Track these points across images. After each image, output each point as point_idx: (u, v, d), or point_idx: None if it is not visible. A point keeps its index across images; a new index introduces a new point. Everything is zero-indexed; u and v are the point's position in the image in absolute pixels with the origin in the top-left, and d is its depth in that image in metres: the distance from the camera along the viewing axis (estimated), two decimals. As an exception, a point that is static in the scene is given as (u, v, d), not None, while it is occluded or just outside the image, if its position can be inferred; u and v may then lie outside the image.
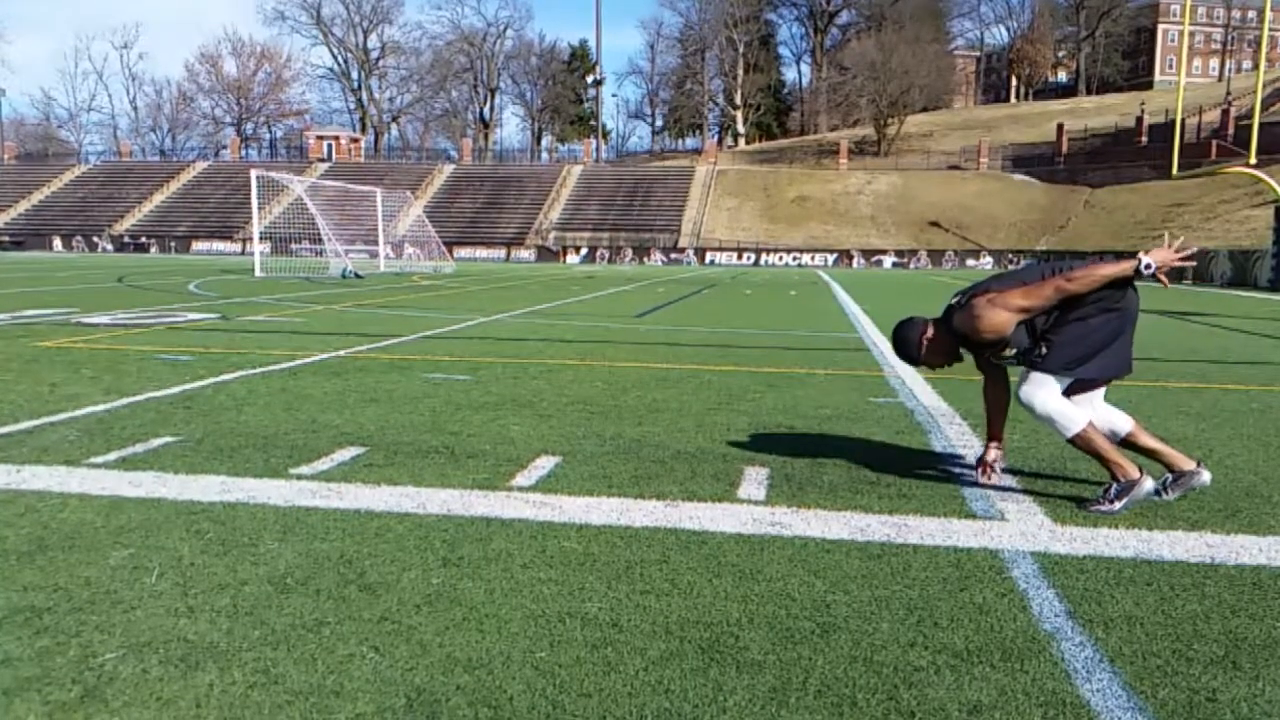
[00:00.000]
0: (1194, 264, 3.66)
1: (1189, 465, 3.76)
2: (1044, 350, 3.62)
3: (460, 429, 4.96)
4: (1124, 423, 3.87)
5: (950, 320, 3.79)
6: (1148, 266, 3.55)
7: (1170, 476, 3.77)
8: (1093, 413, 3.79)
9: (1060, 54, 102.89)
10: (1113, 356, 3.65)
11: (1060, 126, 65.48)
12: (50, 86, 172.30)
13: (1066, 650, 2.40)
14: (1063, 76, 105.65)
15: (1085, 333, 3.59)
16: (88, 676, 2.17)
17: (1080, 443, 3.64)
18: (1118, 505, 3.58)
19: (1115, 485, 3.61)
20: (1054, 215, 55.99)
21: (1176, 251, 3.61)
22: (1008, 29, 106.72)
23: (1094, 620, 2.59)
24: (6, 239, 57.46)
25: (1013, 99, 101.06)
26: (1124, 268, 3.55)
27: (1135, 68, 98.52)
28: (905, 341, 3.89)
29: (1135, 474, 3.58)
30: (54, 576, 2.78)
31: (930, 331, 3.84)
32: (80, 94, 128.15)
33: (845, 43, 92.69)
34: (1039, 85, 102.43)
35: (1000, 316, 3.60)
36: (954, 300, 3.83)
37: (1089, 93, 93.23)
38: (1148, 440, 3.85)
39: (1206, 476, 3.75)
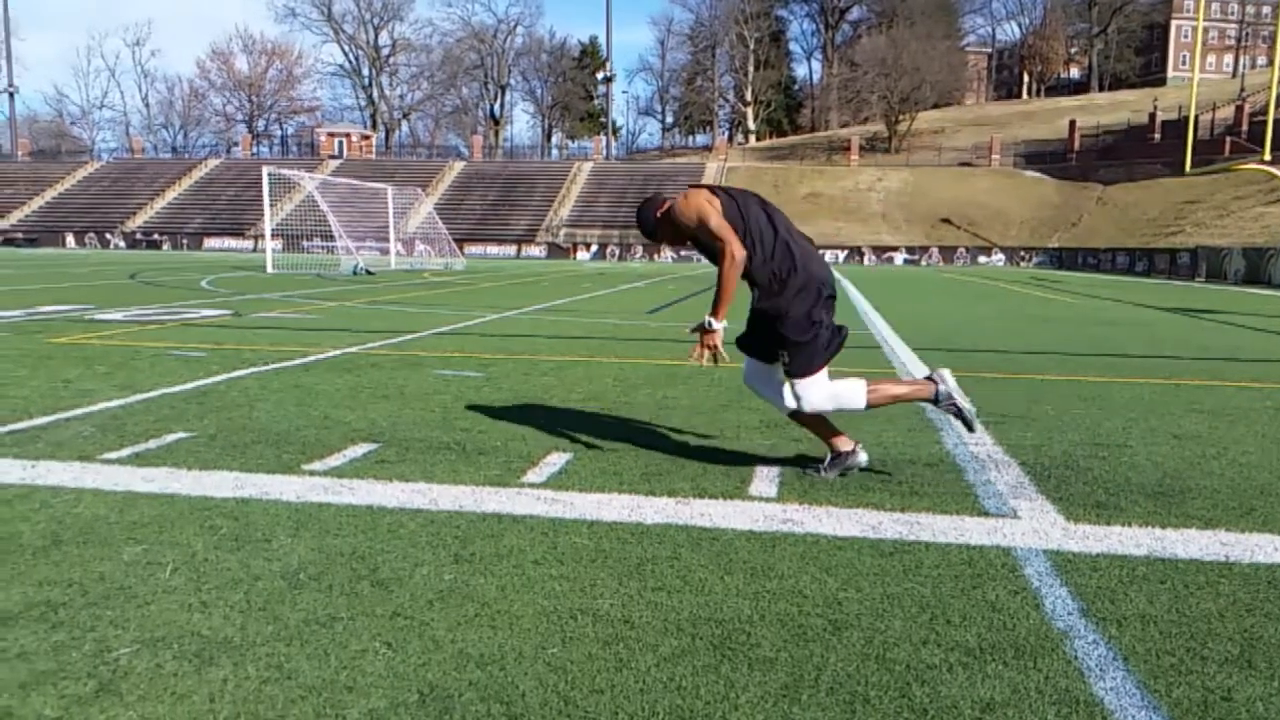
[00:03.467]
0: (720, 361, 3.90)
1: (848, 446, 4.03)
2: (787, 358, 3.85)
3: (471, 425, 4.97)
4: (791, 402, 3.98)
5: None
6: (711, 326, 3.90)
7: (829, 457, 4.06)
8: (771, 389, 4.06)
9: (1072, 50, 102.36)
10: (832, 332, 3.90)
11: (1072, 123, 65.19)
12: (63, 83, 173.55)
13: (1080, 648, 2.39)
14: (1075, 73, 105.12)
15: (808, 322, 3.82)
16: (103, 671, 2.18)
17: (875, 401, 3.92)
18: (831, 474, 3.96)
19: (828, 458, 4.00)
20: (1066, 212, 55.75)
21: (713, 349, 3.92)
22: (1019, 25, 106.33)
23: (1107, 618, 2.58)
24: (20, 236, 57.77)
25: (1025, 95, 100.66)
26: (721, 306, 3.87)
27: (1148, 64, 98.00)
28: (644, 214, 4.07)
29: (848, 446, 3.96)
30: (69, 571, 2.80)
31: (665, 208, 3.98)
32: (93, 91, 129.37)
33: (856, 39, 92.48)
34: (1051, 82, 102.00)
35: (691, 213, 3.82)
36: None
37: (1101, 89, 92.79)
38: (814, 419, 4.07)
39: (863, 458, 4.05)
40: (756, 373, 4.14)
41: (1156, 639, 2.45)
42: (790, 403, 3.94)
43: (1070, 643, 2.42)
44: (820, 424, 4.05)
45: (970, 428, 4.02)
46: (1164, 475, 4.16)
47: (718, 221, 3.79)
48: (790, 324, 3.81)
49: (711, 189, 3.94)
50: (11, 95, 78.17)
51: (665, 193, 4.28)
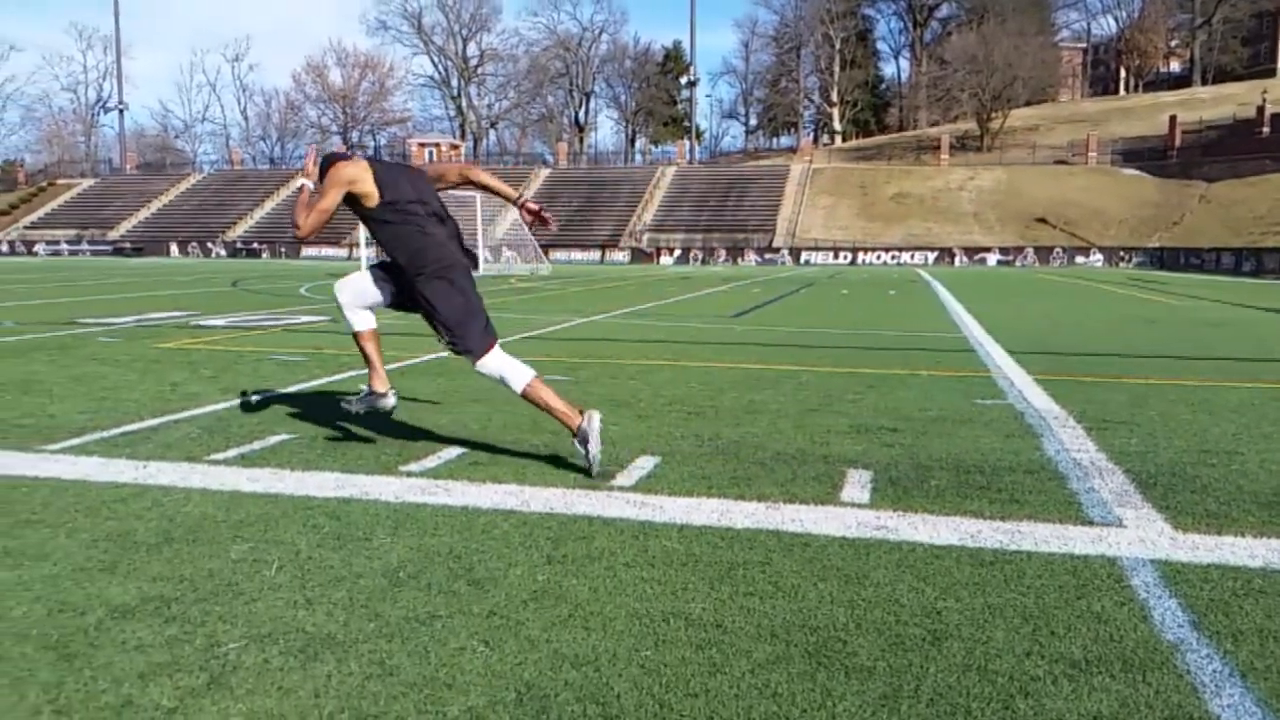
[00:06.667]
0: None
1: (382, 389, 4.43)
2: (454, 341, 4.16)
3: (559, 429, 5.00)
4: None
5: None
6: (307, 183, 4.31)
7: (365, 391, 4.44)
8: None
9: (1173, 43, 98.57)
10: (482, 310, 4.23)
11: (1173, 119, 62.74)
12: (167, 99, 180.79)
13: (1192, 662, 2.30)
14: (1175, 66, 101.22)
15: (464, 304, 4.16)
16: (213, 665, 2.26)
17: (530, 395, 4.14)
18: (592, 451, 4.04)
19: (575, 437, 4.09)
20: (1167, 211, 53.70)
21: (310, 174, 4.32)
22: (1116, 19, 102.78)
23: (1221, 632, 2.48)
24: (128, 246, 60.38)
25: (1122, 91, 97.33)
26: (298, 209, 4.20)
27: (1256, 55, 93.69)
28: (322, 165, 4.27)
29: (578, 420, 4.08)
30: (180, 568, 2.91)
31: (331, 167, 4.18)
32: (195, 105, 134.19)
33: (945, 36, 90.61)
34: (1149, 76, 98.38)
35: (327, 180, 4.12)
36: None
37: (1204, 82, 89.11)
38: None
39: (391, 402, 4.46)
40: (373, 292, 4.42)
41: (1276, 654, 2.34)
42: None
43: (1182, 656, 2.33)
44: (372, 354, 4.45)
45: (589, 473, 4.08)
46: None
47: (332, 199, 4.12)
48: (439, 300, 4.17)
49: (372, 161, 4.27)
50: (121, 112, 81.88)
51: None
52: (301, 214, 4.15)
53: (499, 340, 4.29)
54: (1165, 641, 2.42)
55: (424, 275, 4.13)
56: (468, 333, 4.16)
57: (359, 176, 4.14)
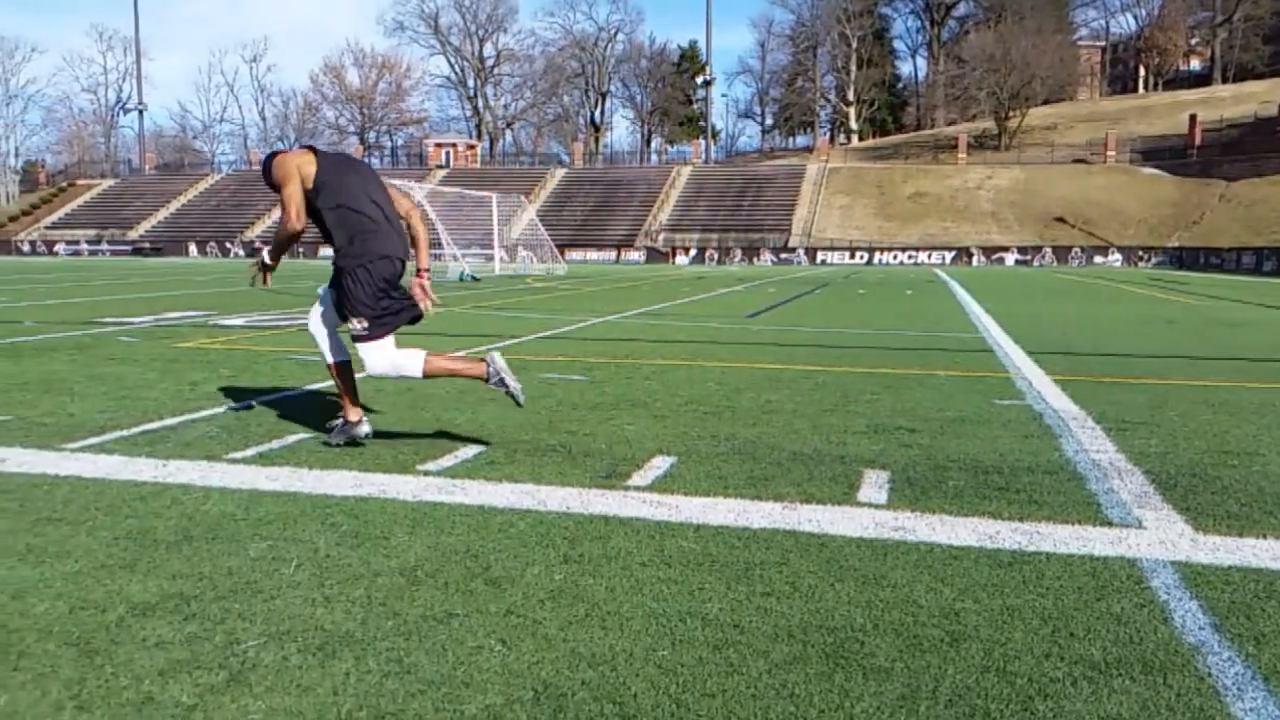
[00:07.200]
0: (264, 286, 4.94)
1: (355, 417, 4.49)
2: (362, 325, 4.33)
3: (576, 428, 5.02)
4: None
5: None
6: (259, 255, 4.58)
7: (341, 423, 4.53)
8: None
9: (1193, 41, 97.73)
10: (399, 304, 4.40)
11: (1193, 117, 62.23)
12: (186, 100, 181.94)
13: (1214, 665, 2.28)
14: (1195, 65, 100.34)
15: (373, 296, 4.31)
16: (233, 662, 2.27)
17: (431, 371, 4.38)
18: (511, 386, 4.34)
19: (488, 382, 4.35)
20: (1187, 210, 53.28)
21: (264, 271, 4.62)
22: (1135, 17, 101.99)
23: (1243, 635, 2.45)
24: (147, 246, 60.83)
25: (1141, 90, 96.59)
26: (276, 245, 4.52)
27: (1278, 53, 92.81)
28: (266, 163, 4.45)
29: (483, 369, 4.34)
30: (199, 565, 2.93)
31: (275, 161, 4.37)
32: (213, 106, 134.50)
33: (963, 35, 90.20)
34: (1169, 75, 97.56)
35: (279, 171, 4.30)
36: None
37: (1225, 80, 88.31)
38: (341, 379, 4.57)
39: (366, 429, 4.49)
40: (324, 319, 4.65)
41: (1300, 658, 2.32)
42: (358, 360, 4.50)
43: (1203, 659, 2.31)
44: (347, 386, 4.54)
45: (517, 403, 4.47)
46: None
47: (294, 185, 4.27)
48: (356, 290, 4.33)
49: (316, 152, 4.40)
50: (141, 113, 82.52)
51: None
52: (283, 215, 4.35)
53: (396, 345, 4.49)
54: (1186, 644, 2.40)
55: (350, 260, 4.31)
56: (372, 325, 4.36)
57: (304, 160, 4.34)
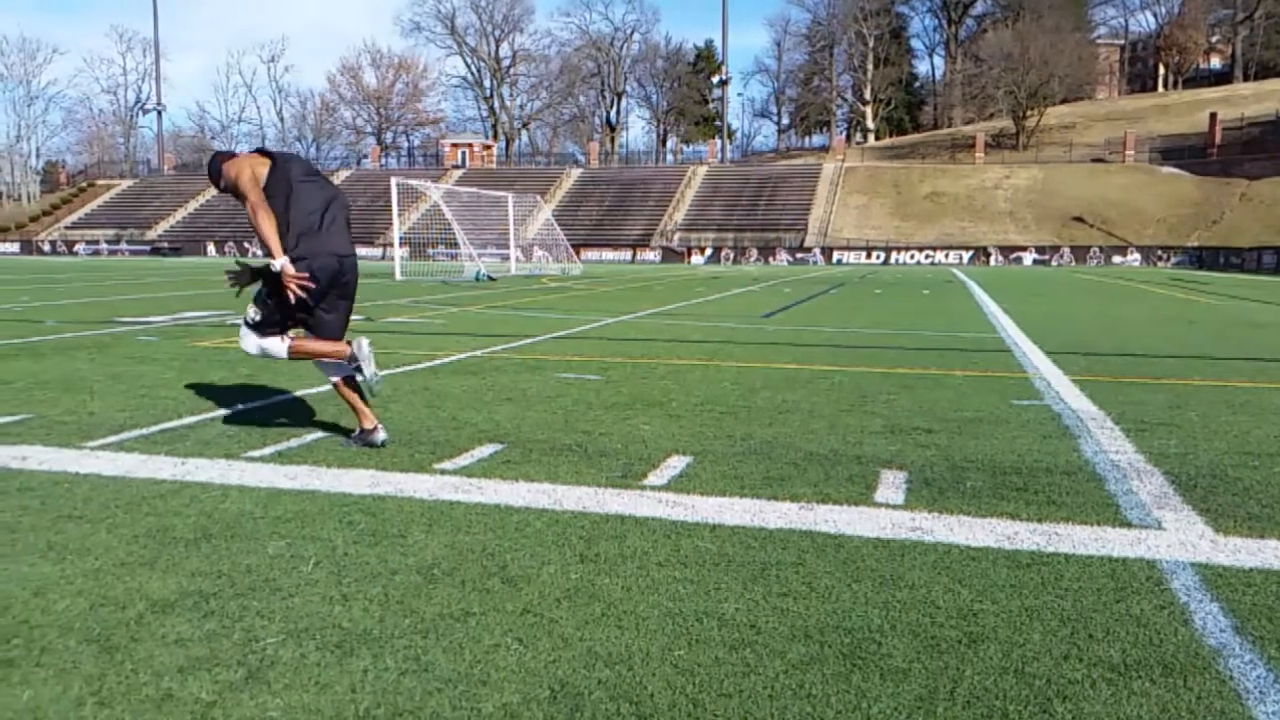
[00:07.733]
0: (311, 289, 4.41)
1: (370, 424, 4.51)
2: (255, 316, 4.50)
3: (592, 428, 5.02)
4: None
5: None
6: (278, 268, 4.31)
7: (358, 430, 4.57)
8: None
9: (1214, 39, 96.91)
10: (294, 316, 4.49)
11: (1213, 116, 61.71)
12: (204, 100, 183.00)
13: (1235, 668, 2.26)
14: (1215, 63, 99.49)
15: (283, 305, 4.40)
16: (251, 659, 2.29)
17: (295, 352, 4.51)
18: (367, 372, 4.40)
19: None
20: (1206, 209, 52.86)
21: (296, 276, 4.32)
22: (1154, 15, 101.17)
23: (1265, 637, 2.43)
24: (165, 246, 61.26)
25: (1160, 88, 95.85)
26: (272, 248, 4.29)
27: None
28: (212, 165, 4.53)
29: (348, 350, 4.40)
30: (218, 563, 2.95)
31: (228, 164, 4.43)
32: (231, 107, 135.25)
33: (981, 33, 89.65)
34: (1189, 73, 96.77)
35: (234, 172, 4.35)
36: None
37: (1246, 79, 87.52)
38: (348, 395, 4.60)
39: (382, 436, 4.50)
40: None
41: (1322, 661, 2.30)
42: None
43: (1224, 662, 2.30)
44: (355, 400, 4.57)
45: (370, 393, 4.51)
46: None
47: (256, 192, 4.32)
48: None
49: (266, 154, 4.45)
50: (159, 113, 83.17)
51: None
52: (252, 215, 4.35)
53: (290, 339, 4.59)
54: (1207, 646, 2.38)
55: (291, 253, 4.33)
56: (268, 316, 4.46)
57: (257, 161, 4.40)
